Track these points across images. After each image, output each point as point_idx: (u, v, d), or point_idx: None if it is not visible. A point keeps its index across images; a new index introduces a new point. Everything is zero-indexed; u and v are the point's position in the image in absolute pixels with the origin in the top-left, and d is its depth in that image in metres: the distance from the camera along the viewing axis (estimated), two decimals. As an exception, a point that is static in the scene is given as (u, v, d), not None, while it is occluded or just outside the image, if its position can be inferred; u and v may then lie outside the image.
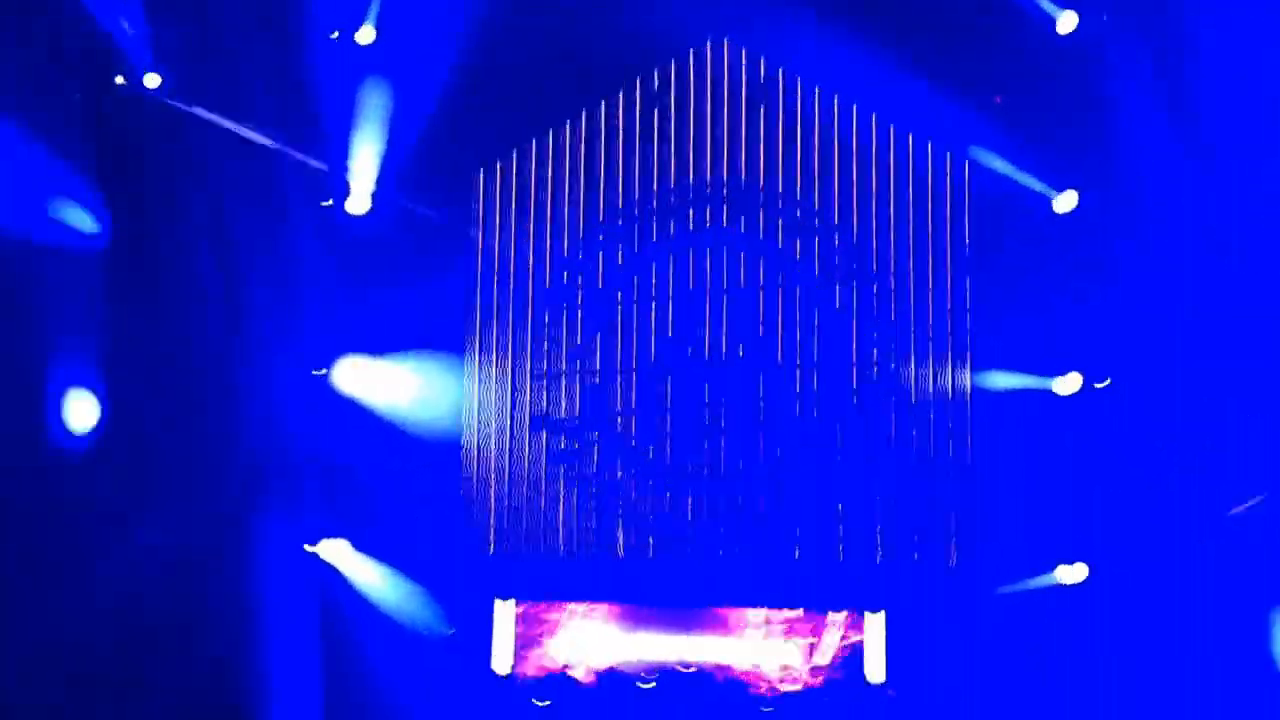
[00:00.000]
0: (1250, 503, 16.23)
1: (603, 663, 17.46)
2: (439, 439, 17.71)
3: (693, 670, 17.32)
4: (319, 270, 17.56)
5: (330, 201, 17.62)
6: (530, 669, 17.46)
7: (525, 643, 17.67)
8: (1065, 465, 16.91)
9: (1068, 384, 17.21)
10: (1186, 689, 16.18)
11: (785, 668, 17.35)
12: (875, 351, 17.60)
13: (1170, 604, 16.45)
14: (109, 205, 17.28)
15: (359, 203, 17.66)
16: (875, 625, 17.35)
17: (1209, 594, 16.32)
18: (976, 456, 17.27)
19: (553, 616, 17.65)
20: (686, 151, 17.84)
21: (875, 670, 17.33)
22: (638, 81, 18.07)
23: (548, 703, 16.68)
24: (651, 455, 17.70)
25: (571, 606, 17.64)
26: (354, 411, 17.69)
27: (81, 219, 17.27)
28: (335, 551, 17.54)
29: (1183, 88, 16.51)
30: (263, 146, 17.53)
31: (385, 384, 17.70)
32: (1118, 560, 16.85)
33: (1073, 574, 16.99)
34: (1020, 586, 16.96)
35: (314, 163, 17.58)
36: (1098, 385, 17.07)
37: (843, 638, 17.37)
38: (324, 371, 17.60)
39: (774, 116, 17.81)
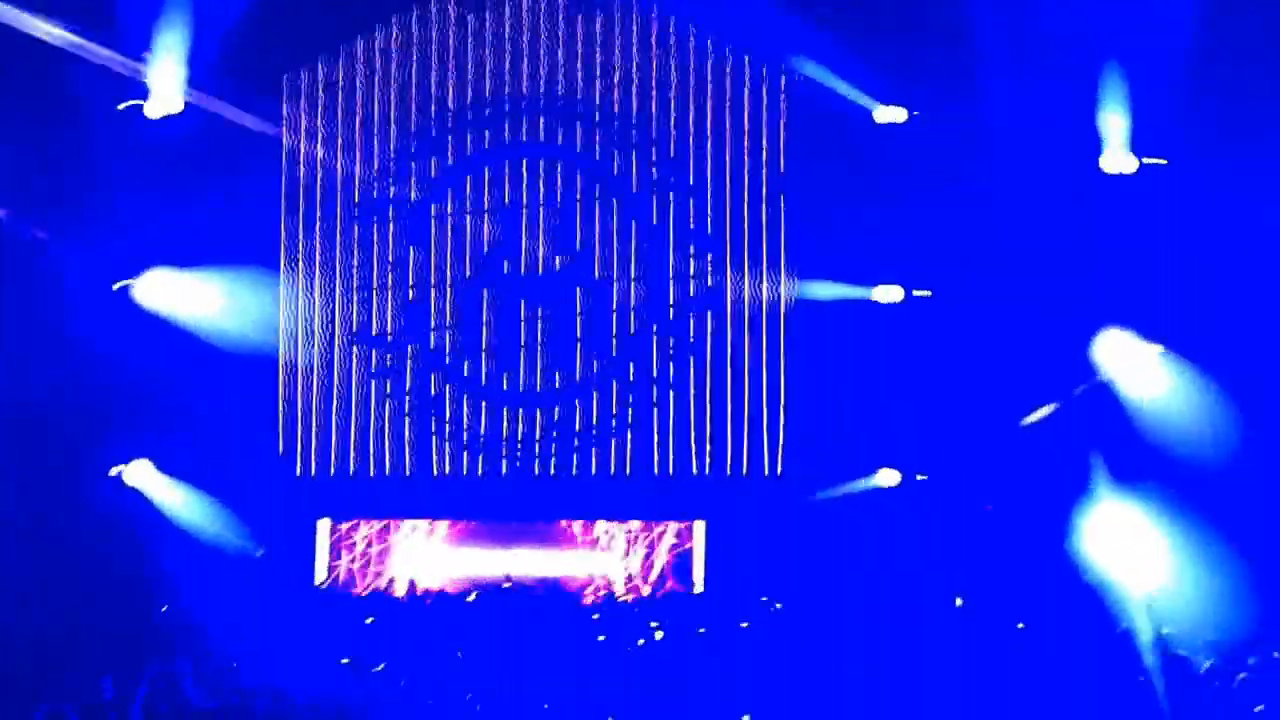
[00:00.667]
0: (1043, 412, 16.59)
1: (428, 579, 17.03)
2: (252, 355, 16.88)
3: (518, 584, 17.02)
4: (120, 179, 16.44)
5: (130, 104, 16.41)
6: (353, 587, 16.92)
7: (346, 563, 17.09)
8: (883, 374, 16.99)
9: (888, 294, 17.24)
10: (996, 586, 16.50)
11: (610, 578, 17.19)
12: (694, 264, 17.37)
13: (979, 503, 16.71)
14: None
15: (162, 106, 16.54)
16: (698, 534, 17.27)
17: (1017, 496, 16.65)
18: (796, 366, 17.24)
19: (375, 535, 17.11)
20: (503, 62, 17.27)
21: (699, 579, 17.26)
22: (454, -13, 17.36)
23: (371, 619, 16.17)
24: (467, 371, 17.21)
25: (394, 524, 17.13)
26: (161, 327, 16.70)
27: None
28: (143, 474, 16.63)
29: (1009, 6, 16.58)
30: (53, 45, 16.21)
31: (193, 298, 16.76)
32: (933, 465, 17.06)
33: (888, 479, 17.14)
34: (838, 492, 17.06)
35: (112, 61, 16.32)
36: (917, 294, 17.14)
37: (671, 548, 17.27)
38: (127, 284, 16.53)
39: (591, 27, 17.31)
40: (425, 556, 16.85)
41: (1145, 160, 16.46)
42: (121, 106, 16.65)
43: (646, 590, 17.06)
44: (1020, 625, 15.78)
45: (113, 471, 16.34)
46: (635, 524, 16.97)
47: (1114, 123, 16.51)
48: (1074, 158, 16.60)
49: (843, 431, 17.01)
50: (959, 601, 15.89)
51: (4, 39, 16.35)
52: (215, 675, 14.91)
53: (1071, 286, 16.68)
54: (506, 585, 16.91)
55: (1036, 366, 16.75)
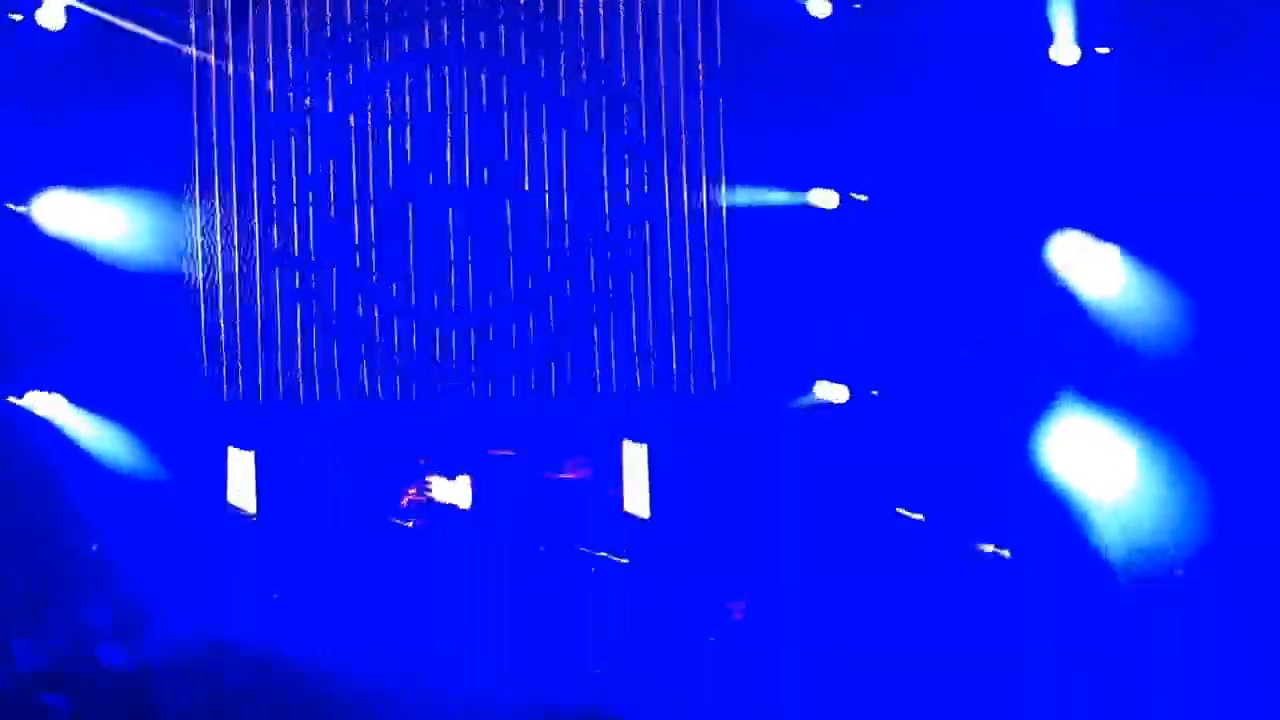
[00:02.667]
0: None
1: (359, 508, 15.52)
2: (161, 279, 15.22)
3: (453, 510, 15.56)
4: (11, 96, 14.68)
5: (19, 15, 14.66)
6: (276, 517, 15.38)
7: (268, 492, 15.55)
8: (829, 284, 15.60)
9: (825, 198, 15.85)
10: (956, 503, 15.25)
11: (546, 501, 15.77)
12: (627, 173, 15.84)
13: (932, 415, 15.42)
14: None
15: (53, 16, 14.77)
16: (637, 457, 15.83)
17: (974, 408, 15.35)
18: (734, 276, 15.80)
19: (299, 465, 15.58)
20: (418, -37, 15.59)
21: (638, 503, 15.84)
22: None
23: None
24: (395, 291, 15.62)
25: (319, 454, 15.59)
26: (62, 251, 15.00)
27: None
28: (48, 404, 14.95)
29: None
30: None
31: (96, 220, 15.06)
32: (884, 379, 15.73)
33: (836, 394, 15.78)
34: (786, 408, 15.68)
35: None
36: (855, 196, 15.76)
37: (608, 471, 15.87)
38: (23, 209, 14.81)
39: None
40: (360, 485, 15.29)
41: (1095, 49, 15.08)
42: (12, 16, 14.81)
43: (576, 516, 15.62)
44: (989, 548, 14.56)
45: (15, 399, 14.59)
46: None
47: (1061, 11, 15.12)
48: (1019, 49, 15.23)
49: (789, 344, 15.59)
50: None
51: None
52: (135, 627, 13.45)
53: (1022, 187, 15.35)
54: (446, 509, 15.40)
55: (988, 271, 15.40)
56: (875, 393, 15.72)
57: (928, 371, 15.63)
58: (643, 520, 15.76)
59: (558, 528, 15.68)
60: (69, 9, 14.95)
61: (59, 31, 15.07)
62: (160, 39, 15.25)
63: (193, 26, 15.32)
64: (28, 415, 15.08)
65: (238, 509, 15.34)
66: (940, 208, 15.62)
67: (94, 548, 14.68)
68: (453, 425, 15.71)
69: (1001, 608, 14.88)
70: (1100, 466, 15.02)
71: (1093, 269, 15.44)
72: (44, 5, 14.92)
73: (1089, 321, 15.32)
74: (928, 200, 15.61)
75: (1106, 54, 15.27)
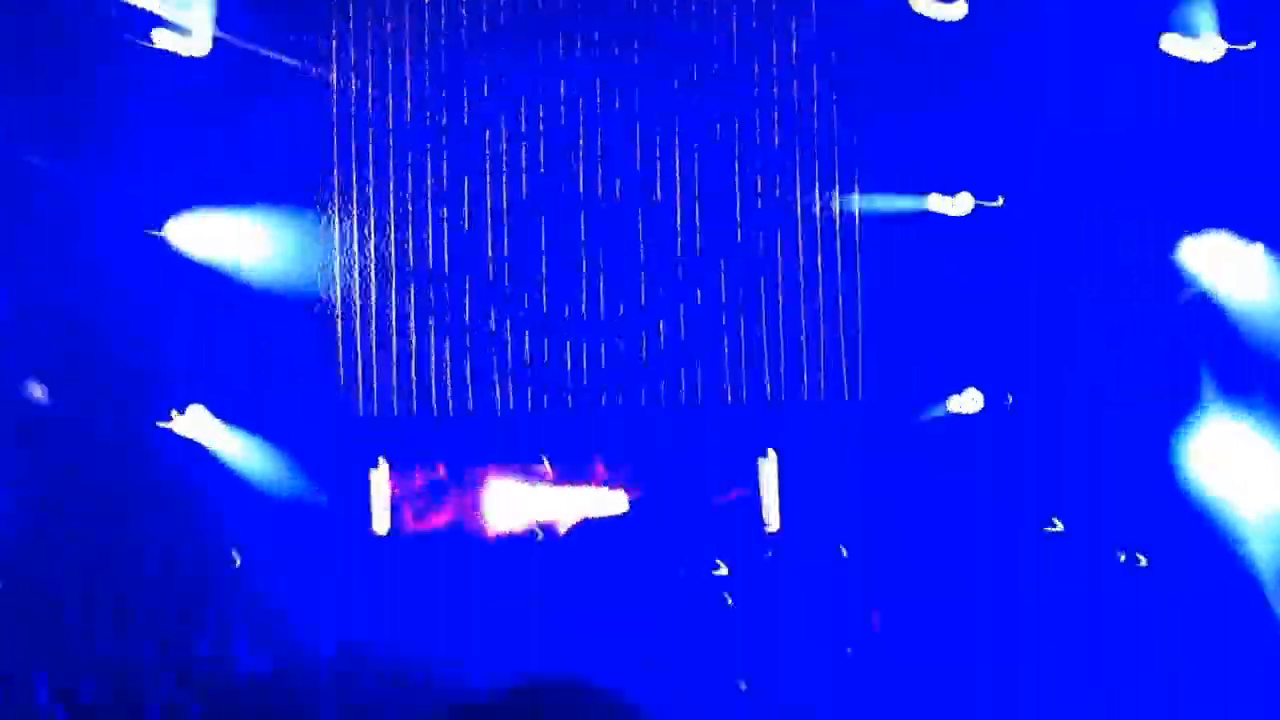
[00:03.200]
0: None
1: (494, 521, 15.47)
2: (299, 296, 15.33)
3: (582, 523, 15.45)
4: (152, 119, 14.87)
5: (160, 42, 14.84)
6: (414, 531, 15.41)
7: (408, 505, 15.59)
8: (962, 290, 15.22)
9: (957, 204, 15.47)
10: (1096, 513, 14.79)
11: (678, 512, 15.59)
12: (759, 180, 15.62)
13: (1074, 424, 14.97)
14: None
15: (197, 43, 14.93)
16: (768, 468, 15.61)
17: (1114, 416, 14.86)
18: (867, 283, 15.50)
19: (433, 478, 15.58)
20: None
21: (771, 515, 15.62)
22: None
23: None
24: (527, 303, 15.56)
25: (454, 467, 15.58)
26: (204, 272, 15.18)
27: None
28: (195, 423, 15.14)
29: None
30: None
31: (236, 240, 15.22)
32: (1020, 386, 15.30)
33: (973, 402, 15.40)
34: (920, 417, 15.34)
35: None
36: (987, 204, 15.36)
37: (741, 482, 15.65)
38: (163, 231, 15.00)
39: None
40: (491, 497, 15.25)
41: (1232, 46, 14.51)
42: (154, 43, 15.02)
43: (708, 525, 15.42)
44: (1123, 557, 14.10)
45: (163, 423, 14.81)
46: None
47: (1202, 8, 14.58)
48: (1153, 46, 14.70)
49: (922, 352, 15.24)
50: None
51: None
52: (271, 633, 13.56)
53: (1161, 187, 14.84)
54: (578, 523, 15.31)
55: (1126, 275, 14.92)
56: (1010, 400, 15.31)
57: (1065, 378, 15.19)
58: (773, 532, 15.53)
59: (697, 540, 15.53)
60: (213, 35, 15.06)
61: (198, 58, 15.16)
62: (297, 62, 15.33)
63: (332, 47, 15.36)
64: (174, 434, 15.25)
65: (370, 520, 15.40)
66: (1076, 211, 15.21)
67: (234, 560, 14.83)
68: (583, 435, 15.61)
69: (1142, 618, 14.41)
70: (1247, 475, 14.47)
71: (1238, 271, 14.88)
72: (184, 33, 15.00)
73: (1234, 325, 14.76)
74: (1063, 204, 15.18)
75: (1248, 49, 14.69)
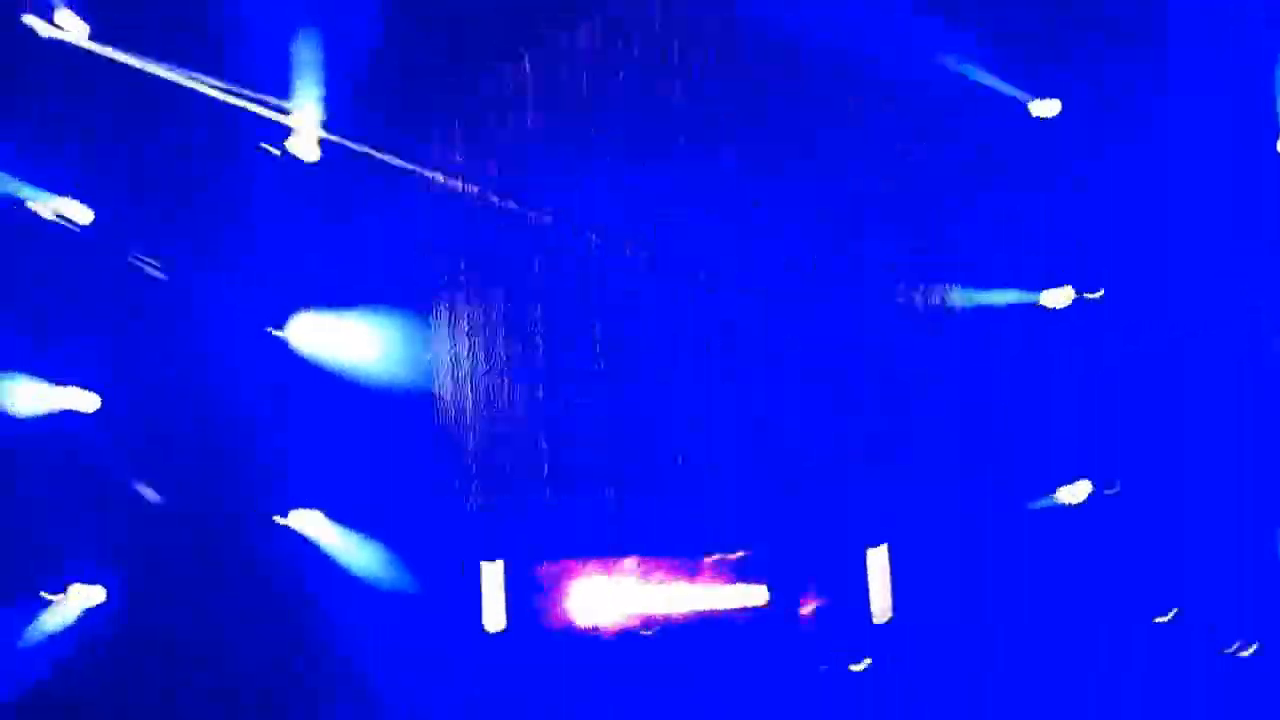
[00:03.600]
0: None
1: (605, 617, 15.54)
2: (408, 394, 15.52)
3: (696, 618, 15.51)
4: (265, 224, 15.16)
5: (276, 150, 15.14)
6: (527, 627, 15.48)
7: (521, 601, 15.69)
8: (1062, 381, 15.35)
9: (1057, 297, 15.65)
10: (1207, 604, 14.79)
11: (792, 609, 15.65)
12: (867, 278, 15.84)
13: (1181, 513, 15.03)
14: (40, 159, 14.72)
15: (307, 149, 15.25)
16: (879, 559, 15.68)
17: (1221, 505, 14.93)
18: (970, 375, 15.65)
19: (547, 573, 15.68)
20: (648, 77, 15.78)
21: (881, 605, 15.67)
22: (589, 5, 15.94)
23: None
24: (630, 399, 15.76)
25: (565, 563, 15.68)
26: (317, 371, 15.39)
27: (7, 182, 14.72)
28: (309, 521, 15.30)
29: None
30: (197, 92, 14.98)
31: (348, 339, 15.44)
32: (1125, 476, 15.38)
33: (1076, 492, 15.48)
34: (1028, 507, 15.42)
35: (257, 107, 15.08)
36: (1089, 297, 15.53)
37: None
38: (281, 332, 15.23)
39: (736, 33, 15.83)
40: (606, 593, 15.34)
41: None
42: (272, 150, 15.33)
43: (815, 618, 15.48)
44: (1234, 648, 14.11)
45: (280, 520, 14.97)
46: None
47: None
48: (1244, 141, 14.91)
49: (1026, 442, 15.36)
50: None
51: (141, 87, 15.11)
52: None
53: (1256, 279, 14.99)
54: (690, 618, 15.37)
55: (1221, 367, 15.04)
56: (1116, 490, 15.41)
57: (1171, 467, 15.27)
58: (884, 624, 15.58)
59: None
60: (323, 141, 15.37)
61: (308, 163, 15.47)
62: (400, 163, 15.63)
63: (433, 151, 15.66)
64: (291, 532, 15.40)
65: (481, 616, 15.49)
66: (1173, 301, 15.34)
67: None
68: (684, 529, 15.72)
69: (1256, 711, 14.41)
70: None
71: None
72: (294, 139, 15.33)
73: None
74: (1160, 294, 15.33)
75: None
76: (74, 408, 15.28)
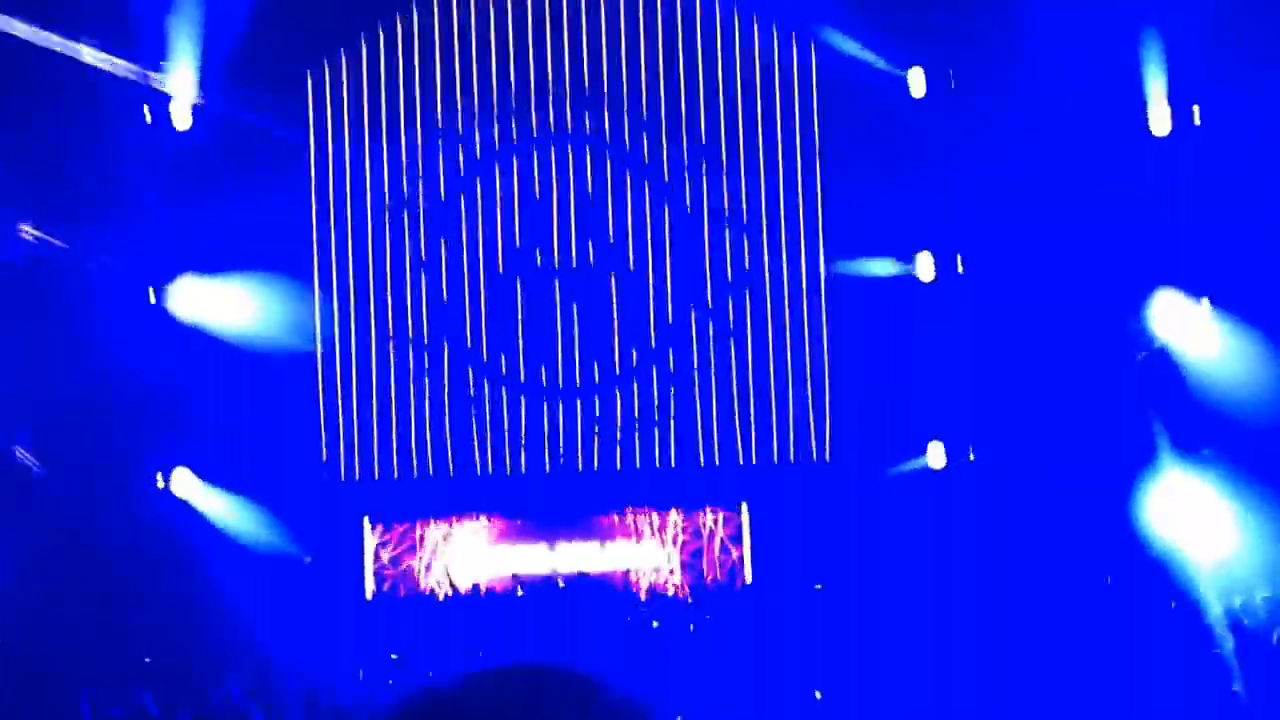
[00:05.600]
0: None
1: (472, 579, 15.63)
2: (286, 360, 15.53)
3: (564, 580, 15.62)
4: (144, 188, 15.10)
5: (150, 114, 15.07)
6: (398, 591, 15.57)
7: (392, 565, 15.76)
8: (928, 350, 15.49)
9: (925, 268, 15.77)
10: (1058, 565, 14.98)
11: (657, 571, 15.76)
12: (729, 246, 15.92)
13: (1034, 478, 15.21)
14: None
15: (182, 116, 15.18)
16: (743, 527, 15.82)
17: (1073, 471, 15.12)
18: (838, 346, 15.77)
19: (418, 536, 15.76)
20: (526, 47, 15.79)
21: (745, 571, 15.82)
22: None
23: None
24: (506, 367, 15.80)
25: (438, 523, 15.76)
26: (194, 335, 15.37)
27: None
28: (185, 482, 15.31)
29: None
30: (73, 59, 14.89)
31: (225, 304, 15.43)
32: (984, 443, 15.56)
33: (937, 459, 15.65)
34: (888, 473, 15.58)
35: (131, 71, 14.99)
36: (955, 268, 15.66)
37: (716, 538, 15.83)
38: (159, 299, 15.20)
39: (615, 8, 15.85)
40: (471, 556, 15.43)
41: (1193, 120, 14.89)
42: (145, 117, 15.25)
43: (683, 581, 15.59)
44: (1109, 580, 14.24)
45: (160, 484, 14.95)
46: (678, 515, 15.48)
47: (1154, 80, 14.96)
48: (1109, 117, 15.05)
49: (889, 412, 15.50)
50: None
51: (24, 55, 15.00)
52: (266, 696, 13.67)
53: (1117, 250, 15.15)
54: (559, 584, 15.47)
55: (1086, 335, 15.21)
56: (972, 458, 15.56)
57: (1029, 434, 15.44)
58: (747, 585, 15.71)
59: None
60: (196, 108, 15.31)
61: (187, 127, 15.40)
62: (278, 130, 15.59)
63: (309, 116, 15.62)
64: (165, 494, 15.40)
65: (359, 579, 15.53)
66: (1035, 274, 15.46)
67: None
68: (562, 495, 15.81)
69: (1105, 666, 14.59)
70: (1200, 526, 14.72)
71: (1189, 327, 15.19)
72: (172, 104, 15.27)
73: (1186, 379, 15.06)
74: (1022, 268, 15.45)
75: (1192, 123, 15.06)
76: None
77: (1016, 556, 15.17)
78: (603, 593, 15.70)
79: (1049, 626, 14.75)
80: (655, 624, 14.94)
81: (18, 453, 15.21)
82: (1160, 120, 15.04)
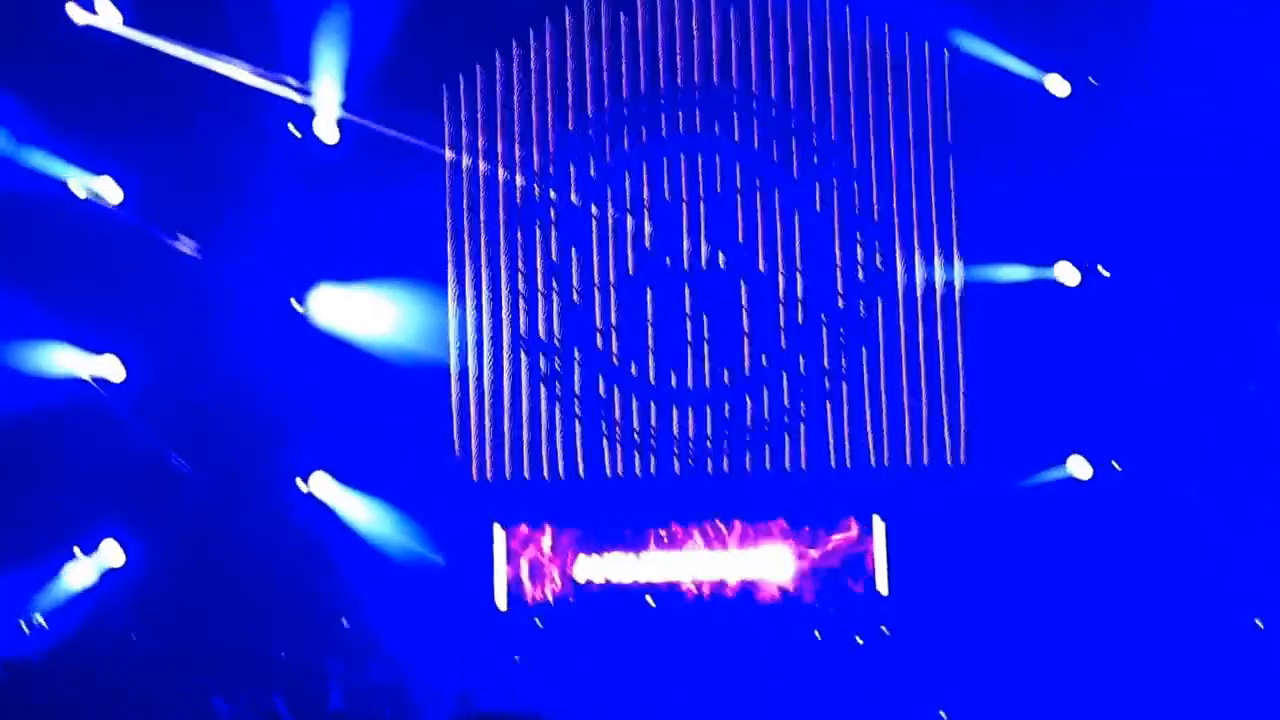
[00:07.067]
0: None
1: (601, 583, 15.51)
2: (421, 367, 15.67)
3: (696, 587, 15.38)
4: (286, 200, 15.44)
5: (299, 133, 15.39)
6: (530, 594, 15.53)
7: (521, 569, 15.76)
8: (1067, 358, 14.85)
9: (1065, 274, 15.13)
10: (1204, 581, 14.18)
11: (789, 579, 15.41)
12: (860, 251, 15.53)
13: (1180, 491, 14.44)
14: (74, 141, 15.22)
15: (327, 130, 15.48)
16: (877, 533, 15.37)
17: (1216, 485, 14.30)
18: (973, 352, 15.23)
19: (552, 540, 15.71)
20: (655, 55, 15.68)
21: (880, 579, 15.36)
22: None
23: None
24: (635, 371, 15.65)
25: (563, 530, 15.69)
26: (333, 342, 15.63)
27: (45, 161, 15.25)
28: (322, 485, 15.56)
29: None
30: (222, 77, 15.32)
31: (362, 312, 15.65)
32: (1126, 454, 14.83)
33: (1079, 469, 14.97)
34: (1025, 484, 14.96)
35: (281, 89, 15.36)
36: (1099, 272, 14.99)
37: (847, 547, 15.43)
38: (301, 307, 15.49)
39: (744, 13, 15.63)
40: (598, 561, 15.33)
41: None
42: (291, 129, 15.62)
43: (818, 590, 15.24)
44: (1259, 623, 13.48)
45: (301, 486, 15.25)
46: (805, 523, 15.16)
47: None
48: (1258, 126, 14.25)
49: (1028, 419, 14.91)
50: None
51: (181, 74, 15.52)
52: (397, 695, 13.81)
53: (1265, 255, 14.33)
54: (689, 587, 15.28)
55: (1227, 346, 14.41)
56: (1118, 467, 14.88)
57: (1173, 446, 14.71)
58: (883, 595, 15.29)
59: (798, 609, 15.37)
60: (342, 121, 15.61)
61: (332, 144, 15.70)
62: (416, 142, 15.79)
63: (447, 130, 15.78)
64: (304, 495, 15.67)
65: (489, 580, 15.57)
66: (1180, 281, 14.76)
67: (343, 622, 15.13)
68: (691, 500, 15.61)
69: (1257, 692, 13.82)
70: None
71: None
72: (318, 119, 15.59)
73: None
74: (1168, 274, 14.77)
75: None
76: (103, 376, 15.74)
77: (1161, 571, 14.45)
78: (733, 603, 15.43)
79: (1194, 646, 14.02)
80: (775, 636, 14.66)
81: (175, 458, 15.63)
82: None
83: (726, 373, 15.63)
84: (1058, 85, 15.05)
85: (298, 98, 15.59)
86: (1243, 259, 14.52)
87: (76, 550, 15.27)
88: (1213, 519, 14.38)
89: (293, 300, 15.72)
